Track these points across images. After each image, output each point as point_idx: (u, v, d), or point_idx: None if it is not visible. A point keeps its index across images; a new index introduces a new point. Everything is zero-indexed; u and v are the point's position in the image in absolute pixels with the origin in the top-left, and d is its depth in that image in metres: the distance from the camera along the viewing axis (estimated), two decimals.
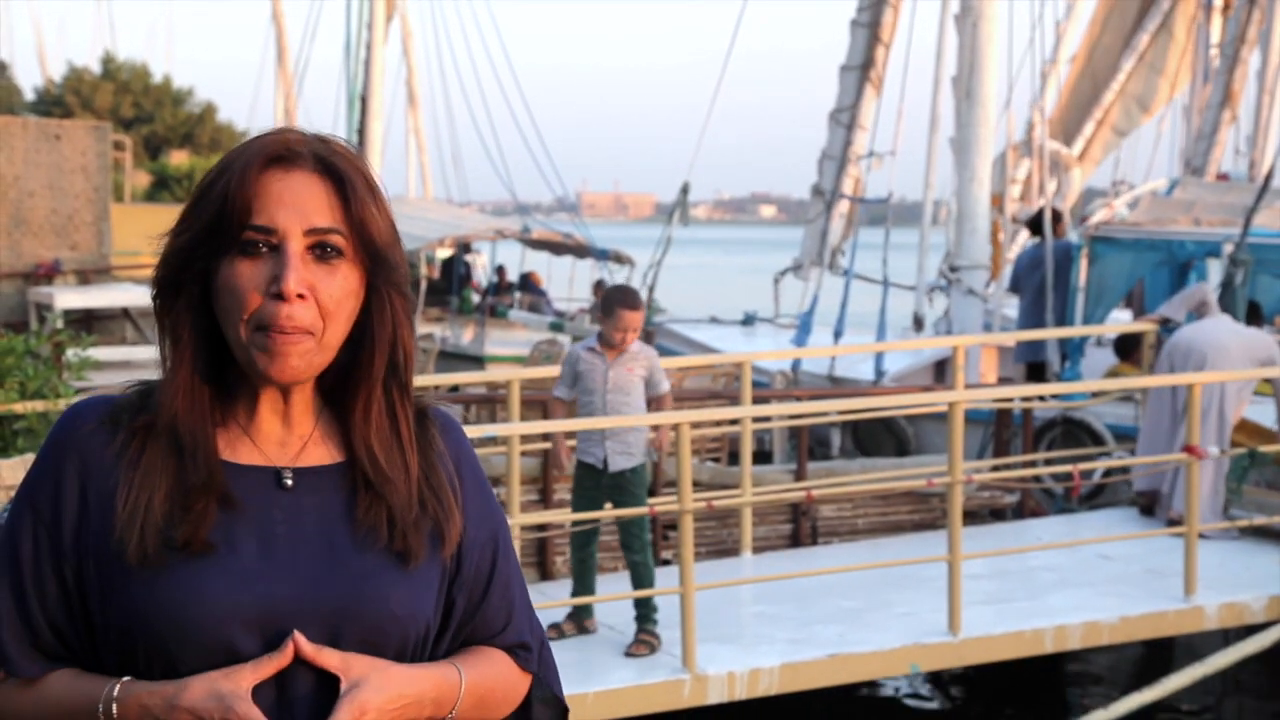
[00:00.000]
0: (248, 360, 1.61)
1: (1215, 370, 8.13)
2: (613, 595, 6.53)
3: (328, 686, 1.59)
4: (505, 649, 1.77)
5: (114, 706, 1.57)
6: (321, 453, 1.69)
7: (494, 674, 1.74)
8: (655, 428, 6.30)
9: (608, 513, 6.28)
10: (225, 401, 1.67)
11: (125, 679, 1.58)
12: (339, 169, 1.64)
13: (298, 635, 1.57)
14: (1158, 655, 8.10)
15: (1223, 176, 13.67)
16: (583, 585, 6.36)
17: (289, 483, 1.65)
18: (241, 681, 1.55)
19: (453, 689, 1.67)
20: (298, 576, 1.61)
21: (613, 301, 6.22)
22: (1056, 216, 11.54)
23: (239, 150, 1.64)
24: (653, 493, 7.83)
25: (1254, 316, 9.67)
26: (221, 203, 1.61)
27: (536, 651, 1.80)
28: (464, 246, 19.80)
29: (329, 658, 1.58)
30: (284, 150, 1.63)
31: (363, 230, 1.63)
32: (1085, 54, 15.94)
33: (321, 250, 1.61)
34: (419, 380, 1.74)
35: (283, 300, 1.58)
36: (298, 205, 1.61)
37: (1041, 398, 9.73)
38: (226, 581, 1.58)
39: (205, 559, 1.58)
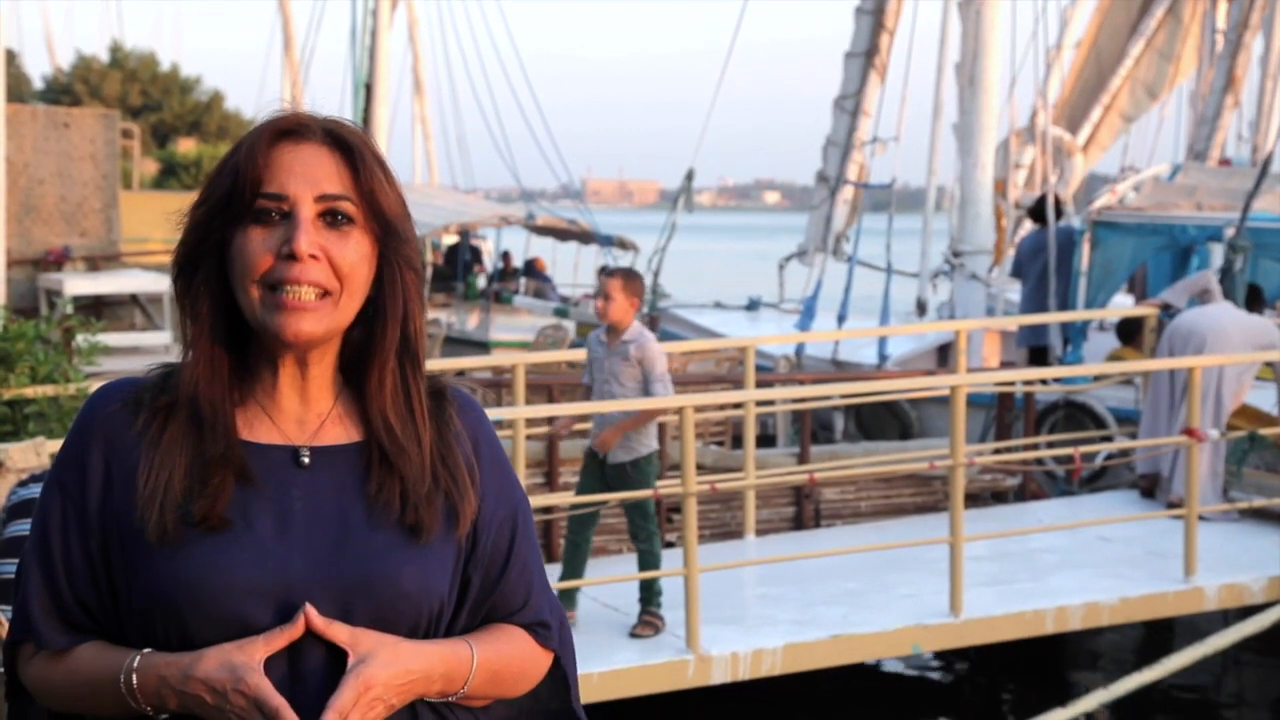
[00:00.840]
0: (261, 324, 1.64)
1: (1215, 354, 8.17)
2: (617, 577, 6.58)
3: (339, 661, 1.61)
4: (524, 626, 1.77)
5: (134, 677, 1.61)
6: (339, 431, 1.72)
7: (510, 651, 1.74)
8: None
9: (606, 495, 6.31)
10: (245, 380, 1.70)
11: (145, 651, 1.62)
12: (348, 141, 1.68)
13: (309, 608, 1.60)
14: (1158, 636, 8.16)
15: (1225, 161, 13.67)
16: (570, 569, 6.33)
17: (306, 461, 1.68)
18: (254, 654, 1.58)
19: (464, 665, 1.68)
20: (312, 553, 1.63)
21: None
22: (1057, 204, 11.56)
23: (251, 129, 1.69)
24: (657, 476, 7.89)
25: (1256, 300, 9.68)
26: (234, 175, 1.65)
27: (556, 630, 1.80)
28: (467, 233, 19.84)
29: (338, 632, 1.61)
30: (294, 124, 1.67)
31: (372, 200, 1.67)
32: (1091, 39, 15.93)
33: (333, 217, 1.65)
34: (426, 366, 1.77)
35: (295, 260, 1.62)
36: (308, 174, 1.65)
37: (1043, 381, 9.78)
38: (243, 557, 1.61)
39: (222, 535, 1.62)
